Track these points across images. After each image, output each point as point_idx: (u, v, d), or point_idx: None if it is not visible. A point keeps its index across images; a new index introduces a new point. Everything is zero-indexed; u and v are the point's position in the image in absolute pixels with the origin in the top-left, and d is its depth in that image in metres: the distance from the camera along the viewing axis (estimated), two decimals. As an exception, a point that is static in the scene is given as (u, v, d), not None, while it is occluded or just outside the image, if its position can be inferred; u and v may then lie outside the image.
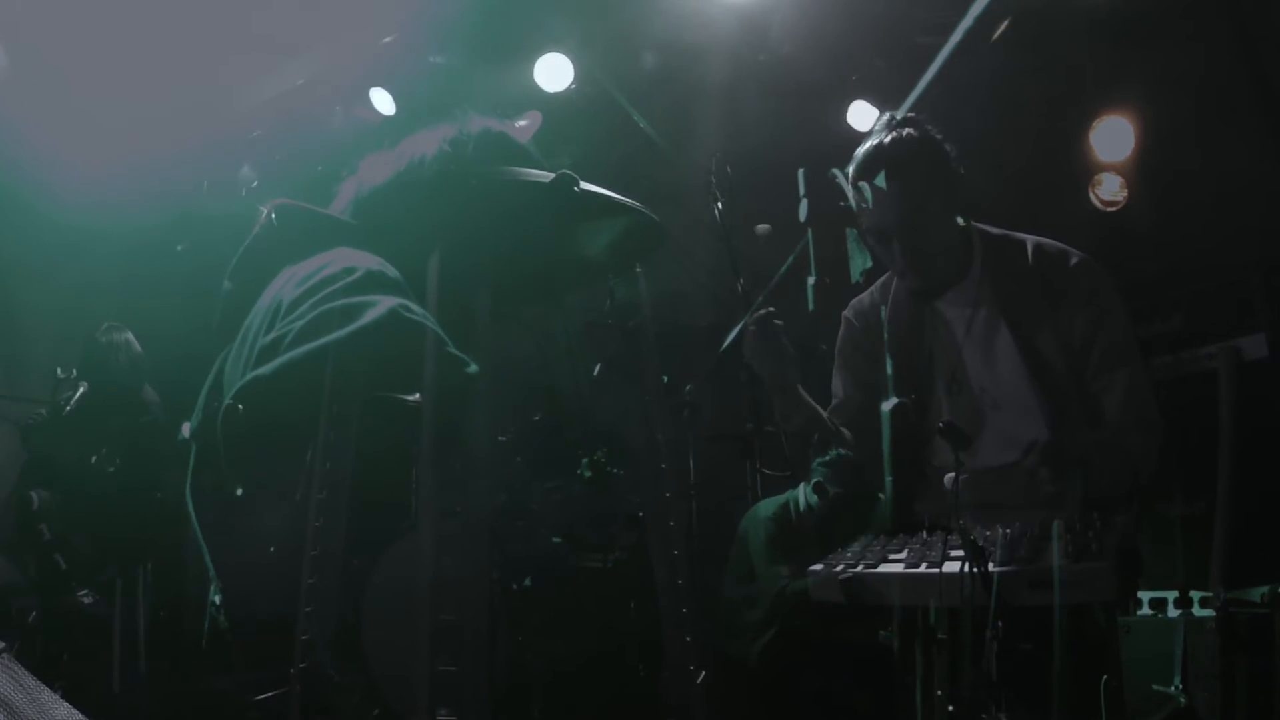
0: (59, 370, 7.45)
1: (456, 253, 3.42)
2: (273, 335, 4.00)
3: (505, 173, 3.57)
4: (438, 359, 3.83)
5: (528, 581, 5.86)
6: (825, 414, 4.41)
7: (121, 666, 6.36)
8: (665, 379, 4.18)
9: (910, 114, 4.09)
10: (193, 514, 4.14)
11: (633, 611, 6.86)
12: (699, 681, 3.71)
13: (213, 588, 4.09)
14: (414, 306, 3.96)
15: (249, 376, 4.00)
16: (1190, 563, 6.06)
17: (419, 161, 3.87)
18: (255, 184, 8.42)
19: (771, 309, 4.04)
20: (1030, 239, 4.12)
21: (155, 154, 7.88)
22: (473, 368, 3.95)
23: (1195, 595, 5.10)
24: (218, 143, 8.36)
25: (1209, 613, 4.98)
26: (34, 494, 6.95)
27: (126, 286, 8.33)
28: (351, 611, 4.13)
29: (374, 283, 4.00)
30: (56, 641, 6.64)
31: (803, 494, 6.63)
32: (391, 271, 4.07)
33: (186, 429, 4.51)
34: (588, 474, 6.72)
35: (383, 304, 3.90)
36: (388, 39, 8.07)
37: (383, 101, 8.26)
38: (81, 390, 7.23)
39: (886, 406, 3.70)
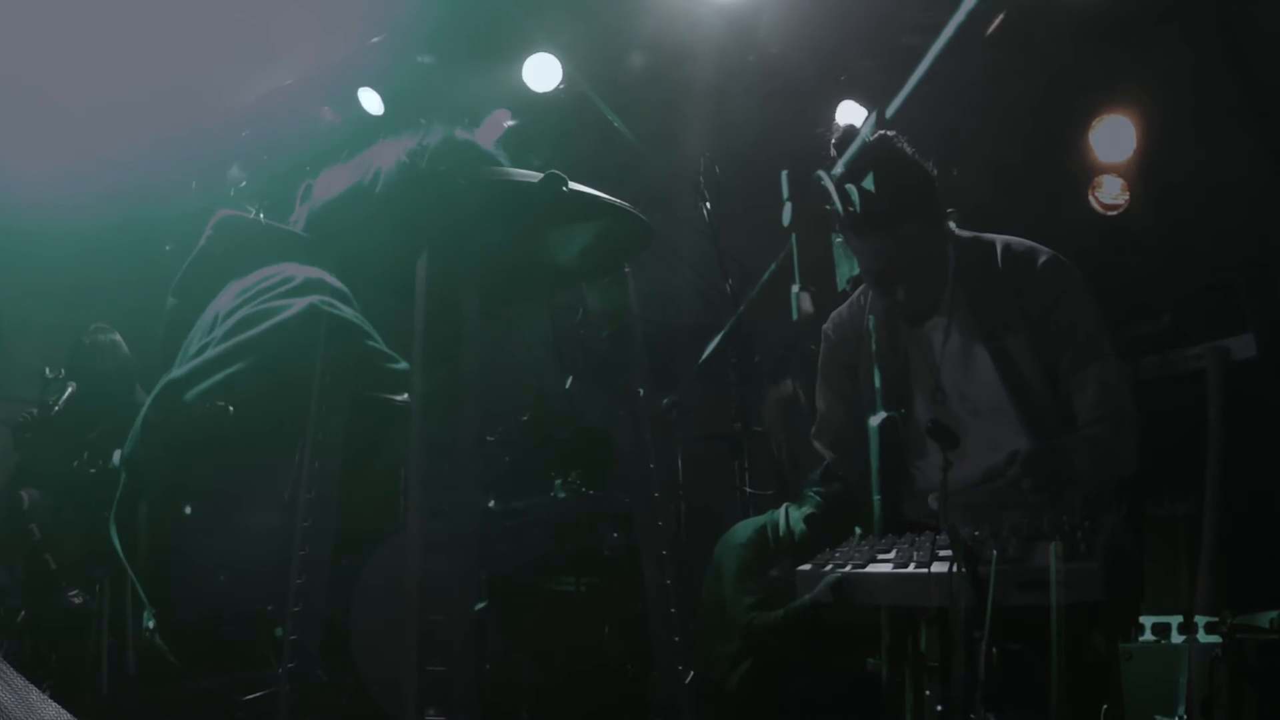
0: (47, 370, 7.43)
1: (439, 255, 3.42)
2: (200, 344, 4.01)
3: (493, 173, 3.56)
4: (363, 353, 3.85)
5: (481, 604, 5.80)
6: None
7: (110, 666, 6.34)
8: (641, 391, 4.17)
9: (890, 131, 4.08)
10: (117, 543, 4.13)
11: (620, 616, 6.80)
12: (688, 681, 3.71)
13: (146, 613, 4.10)
14: (338, 304, 3.97)
15: (163, 381, 4.01)
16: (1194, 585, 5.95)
17: (372, 180, 3.82)
18: (244, 184, 8.42)
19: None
20: (1000, 239, 4.13)
21: (144, 153, 7.87)
22: (402, 364, 3.96)
23: (1200, 620, 4.98)
24: (206, 142, 8.35)
25: (1215, 639, 4.87)
26: (24, 494, 6.94)
27: (115, 286, 8.32)
28: (340, 611, 4.14)
29: (309, 289, 4.01)
30: (45, 641, 6.63)
31: (785, 517, 6.35)
32: (334, 281, 4.07)
33: (117, 456, 4.49)
34: (561, 495, 6.60)
35: (303, 301, 3.91)
36: (376, 39, 8.07)
37: (371, 101, 8.25)
38: (70, 391, 7.22)
39: (875, 421, 3.67)
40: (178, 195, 8.35)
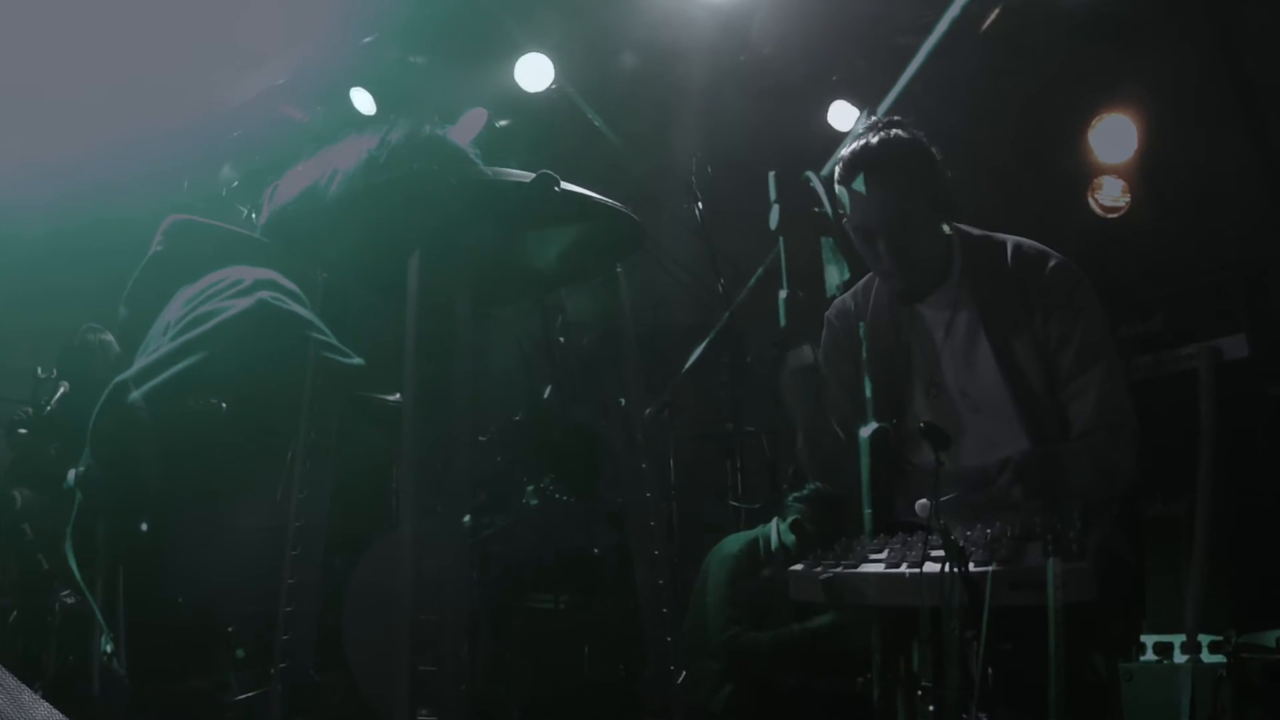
0: (39, 370, 7.43)
1: (426, 254, 3.42)
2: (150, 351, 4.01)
3: (484, 172, 3.56)
4: (312, 348, 3.85)
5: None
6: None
7: (102, 666, 6.34)
8: (633, 392, 4.18)
9: (895, 115, 4.08)
10: (74, 564, 4.13)
11: (600, 634, 6.70)
12: (679, 681, 3.71)
13: (104, 637, 4.10)
14: (286, 300, 3.96)
15: (111, 384, 4.01)
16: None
17: (328, 181, 3.79)
18: (236, 184, 8.41)
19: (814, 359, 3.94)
20: (1010, 240, 4.12)
21: (132, 153, 7.86)
22: (354, 360, 3.96)
23: (1204, 639, 4.85)
24: (200, 141, 8.34)
25: (1219, 658, 4.73)
26: (17, 494, 6.93)
27: (107, 287, 8.31)
28: (332, 611, 4.13)
29: (259, 288, 4.01)
30: (37, 641, 6.63)
31: (775, 531, 6.26)
32: (285, 281, 4.07)
33: (72, 476, 4.48)
34: (533, 502, 6.51)
35: (250, 298, 3.91)
36: (368, 39, 8.07)
37: (363, 101, 8.25)
38: (62, 390, 7.21)
39: (865, 432, 3.65)
40: (170, 195, 8.34)
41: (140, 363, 4.00)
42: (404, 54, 8.23)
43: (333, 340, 4.05)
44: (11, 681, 2.75)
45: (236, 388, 3.89)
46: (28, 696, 2.76)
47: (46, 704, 2.81)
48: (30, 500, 6.92)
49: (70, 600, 6.65)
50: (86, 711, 5.95)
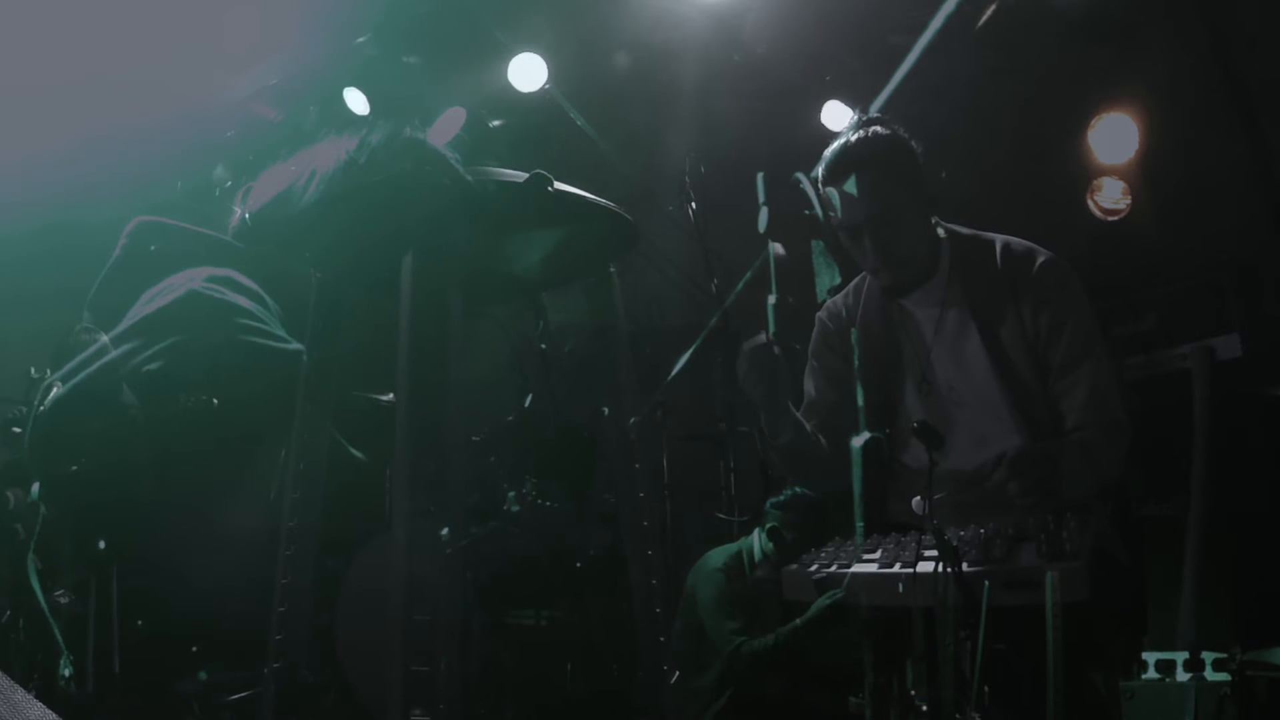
0: (33, 370, 7.41)
1: (416, 256, 3.41)
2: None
3: (472, 174, 3.56)
4: (237, 332, 3.86)
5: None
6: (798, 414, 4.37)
7: (96, 666, 6.32)
8: (605, 410, 4.18)
9: (878, 113, 4.10)
10: (35, 583, 4.14)
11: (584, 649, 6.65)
12: (672, 682, 3.71)
13: (62, 660, 4.10)
14: (224, 289, 3.97)
15: (44, 383, 4.02)
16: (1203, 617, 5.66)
17: (305, 183, 3.78)
18: (229, 184, 8.40)
19: (766, 340, 3.94)
20: (999, 238, 4.13)
21: (129, 154, 7.84)
22: (294, 346, 3.96)
23: (1208, 656, 4.75)
24: (191, 141, 8.33)
25: (1223, 676, 4.65)
26: (10, 494, 6.91)
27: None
28: (325, 611, 4.12)
29: (199, 282, 4.02)
30: (31, 642, 6.62)
31: (757, 541, 6.29)
32: (242, 279, 4.07)
33: (36, 489, 4.48)
34: (515, 508, 6.39)
35: (183, 289, 3.93)
36: (361, 39, 8.06)
37: (357, 101, 8.24)
38: (57, 391, 7.20)
39: (858, 442, 3.62)
40: (164, 194, 8.33)
41: (68, 365, 4.02)
42: (397, 55, 8.22)
43: (269, 328, 4.05)
44: (5, 682, 2.75)
45: (175, 374, 3.90)
46: (21, 696, 2.76)
47: (40, 704, 2.81)
48: (24, 501, 6.91)
49: (64, 600, 6.64)
50: (80, 711, 5.96)
